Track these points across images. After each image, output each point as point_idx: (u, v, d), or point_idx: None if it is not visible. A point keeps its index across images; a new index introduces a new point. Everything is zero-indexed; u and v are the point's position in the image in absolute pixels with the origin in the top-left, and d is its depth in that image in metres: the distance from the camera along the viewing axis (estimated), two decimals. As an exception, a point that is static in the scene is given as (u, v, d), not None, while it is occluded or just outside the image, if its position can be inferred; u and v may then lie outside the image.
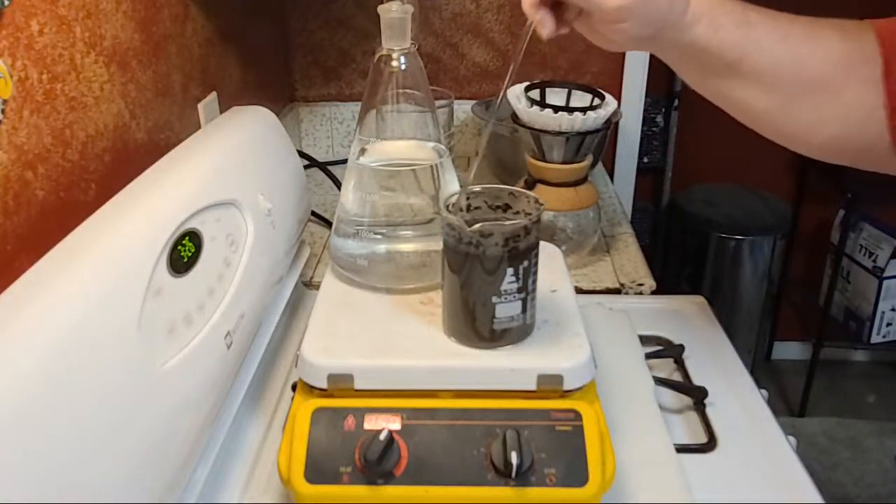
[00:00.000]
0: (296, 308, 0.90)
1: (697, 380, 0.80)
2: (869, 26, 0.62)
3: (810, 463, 0.69)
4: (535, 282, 0.60)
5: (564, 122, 0.94)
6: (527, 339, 0.61)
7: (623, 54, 1.47)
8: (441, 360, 0.59)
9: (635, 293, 1.01)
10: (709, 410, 0.75)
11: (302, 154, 1.23)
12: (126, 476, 0.50)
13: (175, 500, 0.58)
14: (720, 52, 0.60)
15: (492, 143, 1.34)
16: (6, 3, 0.56)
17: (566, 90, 1.00)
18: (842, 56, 0.61)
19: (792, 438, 0.73)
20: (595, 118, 0.95)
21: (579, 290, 0.92)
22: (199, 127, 0.93)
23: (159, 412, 0.54)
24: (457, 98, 1.30)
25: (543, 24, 0.59)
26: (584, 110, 0.94)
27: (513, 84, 0.60)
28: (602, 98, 0.98)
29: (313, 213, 1.16)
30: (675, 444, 0.68)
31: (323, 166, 1.32)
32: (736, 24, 0.60)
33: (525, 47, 0.61)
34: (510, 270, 0.57)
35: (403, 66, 0.67)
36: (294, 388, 0.73)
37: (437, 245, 0.62)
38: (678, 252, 1.99)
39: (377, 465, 0.54)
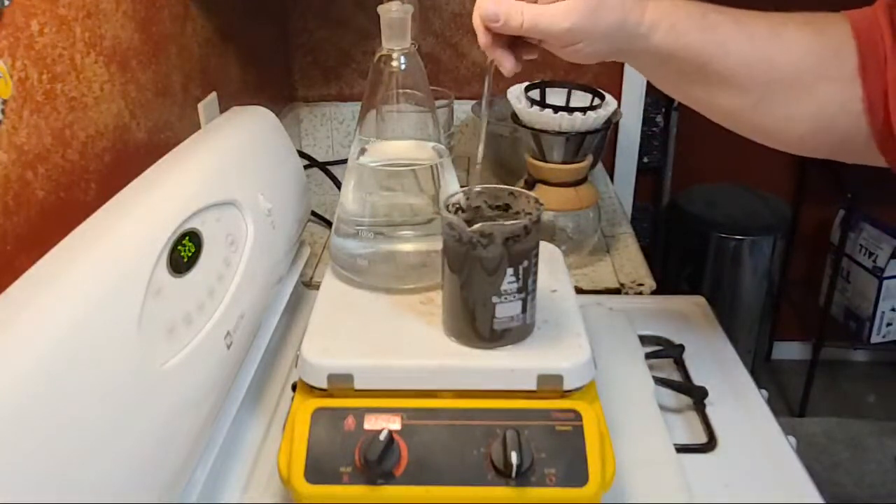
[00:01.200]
0: (296, 308, 0.90)
1: (697, 380, 0.80)
2: (843, 18, 0.61)
3: (810, 463, 0.69)
4: (535, 282, 0.60)
5: (564, 122, 0.94)
6: (527, 339, 0.61)
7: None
8: (441, 360, 0.59)
9: (635, 293, 1.01)
10: (709, 410, 0.75)
11: (302, 154, 1.23)
12: (126, 476, 0.50)
13: (175, 500, 0.58)
14: (685, 57, 0.59)
15: (490, 145, 1.34)
16: (6, 3, 0.56)
17: (566, 90, 1.00)
18: (811, 52, 0.60)
19: (792, 438, 0.73)
20: (595, 118, 0.95)
21: (579, 290, 0.92)
22: (199, 127, 0.93)
23: (159, 412, 0.54)
24: (457, 98, 1.30)
25: (502, 62, 0.59)
26: (584, 110, 0.94)
27: (488, 125, 0.60)
28: (602, 98, 0.98)
29: (313, 213, 1.16)
30: (675, 444, 0.68)
31: (323, 166, 1.32)
32: (697, 28, 0.59)
33: (490, 86, 0.61)
34: (510, 270, 0.57)
35: (403, 66, 0.67)
36: (294, 388, 0.72)
37: (437, 245, 0.62)
38: (678, 252, 1.99)
39: (377, 465, 0.54)
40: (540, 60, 0.63)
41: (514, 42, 0.60)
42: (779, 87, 0.61)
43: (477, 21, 0.58)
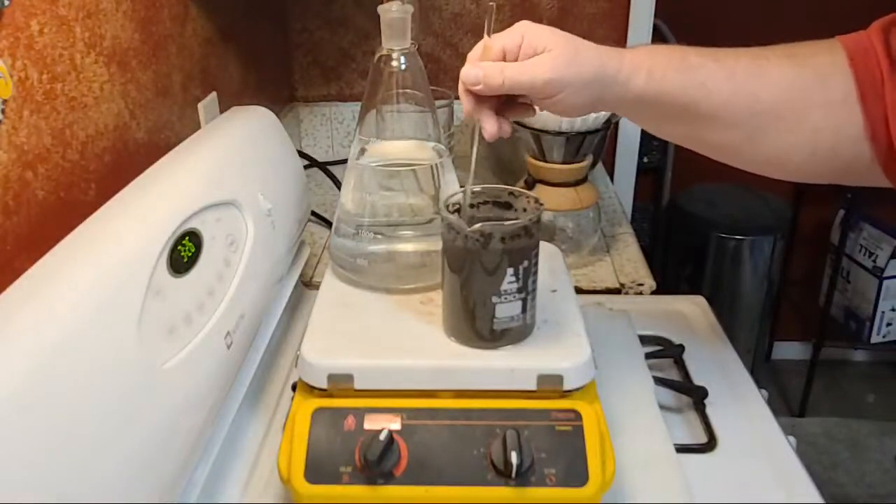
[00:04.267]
0: (296, 308, 0.90)
1: (697, 380, 0.80)
2: (834, 45, 0.61)
3: (810, 463, 0.69)
4: (535, 282, 0.60)
5: (564, 122, 0.94)
6: (527, 339, 0.61)
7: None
8: (441, 360, 0.59)
9: (635, 293, 1.01)
10: (709, 410, 0.75)
11: (302, 154, 1.23)
12: (126, 476, 0.50)
13: (175, 500, 0.58)
14: (670, 99, 0.60)
15: (490, 144, 1.34)
16: (6, 3, 0.56)
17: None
18: (795, 83, 0.60)
19: (792, 438, 0.73)
20: (595, 118, 0.95)
21: (579, 290, 0.92)
22: (199, 127, 0.93)
23: (159, 412, 0.54)
24: (457, 98, 1.30)
25: (485, 126, 0.60)
26: (584, 110, 0.94)
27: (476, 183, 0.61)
28: (602, 98, 0.98)
29: (313, 213, 1.16)
30: (675, 444, 0.68)
31: (323, 166, 1.32)
32: (677, 70, 0.59)
33: (478, 149, 0.61)
34: (510, 270, 0.57)
35: (403, 66, 0.67)
36: (294, 388, 0.72)
37: (437, 245, 0.62)
38: (678, 252, 1.99)
39: (377, 465, 0.54)
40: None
41: (504, 104, 0.61)
42: (767, 119, 0.61)
43: (461, 88, 0.59)
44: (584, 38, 0.59)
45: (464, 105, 0.60)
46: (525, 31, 0.58)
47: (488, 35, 0.59)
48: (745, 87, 0.60)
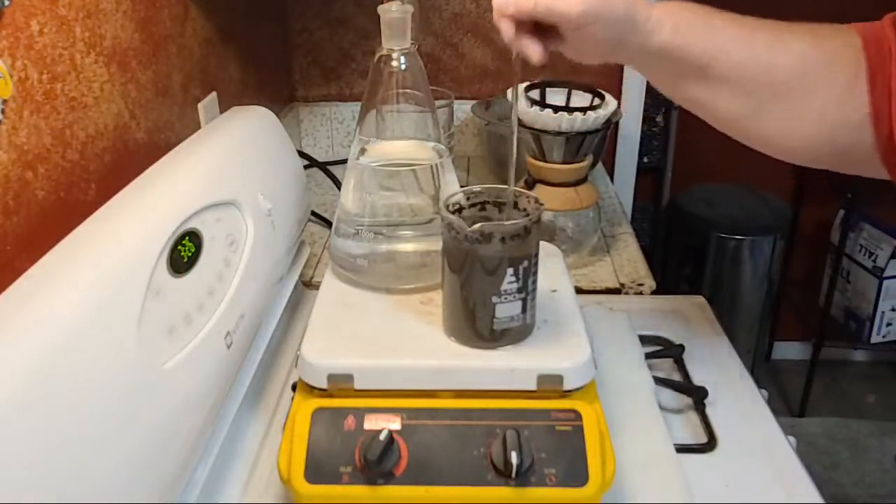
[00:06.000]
0: (296, 308, 0.90)
1: (697, 380, 0.80)
2: (850, 31, 0.62)
3: (810, 463, 0.69)
4: (535, 282, 0.60)
5: (564, 122, 0.94)
6: (527, 339, 0.61)
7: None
8: (441, 360, 0.59)
9: (635, 293, 1.01)
10: (709, 410, 0.75)
11: (302, 154, 1.23)
12: (126, 476, 0.50)
13: (175, 499, 0.58)
14: (687, 57, 0.60)
15: (490, 145, 1.34)
16: (6, 3, 0.56)
17: (566, 90, 1.00)
18: (810, 61, 0.61)
19: (792, 438, 0.73)
20: (595, 118, 0.95)
21: (579, 290, 0.92)
22: (199, 127, 0.93)
23: (159, 412, 0.54)
24: (457, 98, 1.30)
25: (529, 50, 0.59)
26: (584, 110, 0.94)
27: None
28: (602, 98, 0.98)
29: (313, 213, 1.16)
30: (675, 444, 0.68)
31: (323, 166, 1.32)
32: (700, 30, 0.60)
33: (519, 78, 0.60)
34: (510, 270, 0.57)
35: (403, 66, 0.67)
36: (294, 388, 0.72)
37: (437, 245, 0.62)
38: (678, 252, 1.99)
39: (377, 465, 0.54)
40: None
41: (538, 33, 0.60)
42: (778, 92, 0.62)
43: (496, 14, 0.59)
44: None
45: (503, 32, 0.59)
46: None
47: None
48: (762, 57, 0.61)
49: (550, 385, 0.58)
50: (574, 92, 0.99)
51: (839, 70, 0.61)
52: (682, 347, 0.84)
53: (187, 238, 0.61)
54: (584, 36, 0.59)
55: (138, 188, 0.64)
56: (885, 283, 2.02)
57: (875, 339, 2.11)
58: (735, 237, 1.87)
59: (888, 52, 0.59)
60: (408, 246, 0.70)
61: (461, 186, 0.67)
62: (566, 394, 0.59)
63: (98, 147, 0.69)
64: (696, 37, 0.60)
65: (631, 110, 1.53)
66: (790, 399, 2.20)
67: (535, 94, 0.98)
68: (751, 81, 0.61)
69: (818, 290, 2.19)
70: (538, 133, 0.96)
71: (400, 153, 0.70)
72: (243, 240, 0.71)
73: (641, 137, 1.59)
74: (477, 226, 0.56)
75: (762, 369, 2.26)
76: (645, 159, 1.77)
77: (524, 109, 0.96)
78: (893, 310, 2.07)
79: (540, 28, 0.59)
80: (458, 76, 1.49)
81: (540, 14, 0.57)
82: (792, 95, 0.61)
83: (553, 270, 0.70)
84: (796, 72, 0.61)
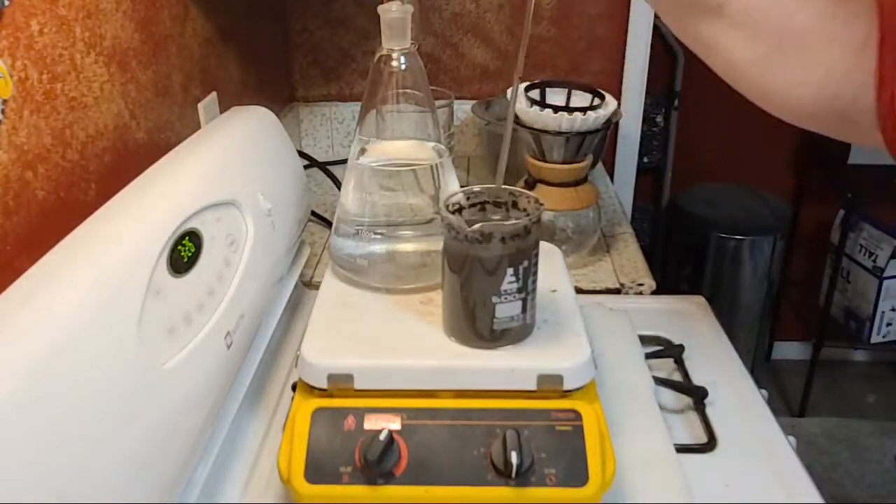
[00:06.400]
0: (296, 308, 0.90)
1: (697, 380, 0.80)
2: None
3: (810, 463, 0.69)
4: (535, 282, 0.60)
5: (564, 122, 0.94)
6: (527, 339, 0.61)
7: (623, 54, 1.47)
8: (441, 360, 0.59)
9: (635, 293, 1.01)
10: (709, 410, 0.75)
11: (302, 154, 1.23)
12: (126, 476, 0.50)
13: (175, 499, 0.58)
14: None
15: (490, 144, 1.34)
16: (6, 3, 0.56)
17: (566, 90, 1.00)
18: (828, 14, 0.60)
19: (792, 438, 0.73)
20: (595, 118, 0.95)
21: (579, 290, 0.92)
22: (199, 127, 0.93)
23: (159, 412, 0.54)
24: (457, 98, 1.30)
25: None
26: (584, 110, 0.94)
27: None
28: (602, 98, 0.98)
29: (313, 213, 1.16)
30: (675, 444, 0.68)
31: (323, 166, 1.32)
32: None
33: (531, 17, 0.59)
34: (510, 270, 0.57)
35: (403, 66, 0.67)
36: (294, 388, 0.72)
37: (437, 245, 0.62)
38: (678, 252, 1.99)
39: (377, 465, 0.54)
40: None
41: None
42: (792, 42, 0.61)
43: None
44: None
45: None
46: None
47: None
48: (783, 3, 0.60)
49: (550, 385, 0.58)
50: (574, 92, 0.99)
51: (855, 26, 0.60)
52: (682, 347, 0.84)
53: (187, 238, 0.61)
54: None
55: (138, 188, 0.64)
56: (885, 283, 2.02)
57: (875, 339, 2.11)
58: (735, 237, 1.86)
59: None
60: (408, 246, 0.70)
61: (461, 186, 0.67)
62: (566, 394, 0.59)
63: (98, 147, 0.69)
64: None
65: (631, 110, 1.53)
66: (790, 399, 2.20)
67: (535, 94, 0.98)
68: (767, 27, 0.60)
69: (818, 290, 2.19)
70: (538, 133, 0.96)
71: (400, 153, 0.70)
72: (243, 240, 0.71)
73: (641, 137, 1.59)
74: (477, 226, 0.56)
75: (762, 369, 2.26)
76: (645, 159, 1.78)
77: (524, 109, 0.96)
78: (893, 310, 2.07)
79: None
80: (458, 76, 1.49)
81: None
82: (805, 48, 0.60)
83: (553, 270, 0.70)
84: (814, 23, 0.60)
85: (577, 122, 0.94)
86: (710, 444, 0.71)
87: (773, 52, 0.62)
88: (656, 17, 1.44)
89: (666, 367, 0.83)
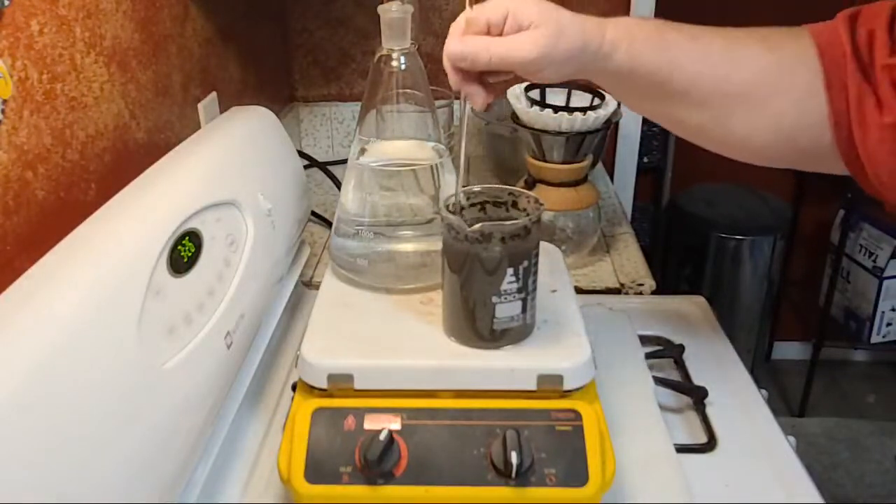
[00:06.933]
0: (296, 308, 0.90)
1: (697, 380, 0.80)
2: (803, 33, 0.63)
3: (810, 463, 0.69)
4: (535, 282, 0.60)
5: (564, 122, 0.94)
6: (527, 339, 0.61)
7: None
8: (441, 360, 0.59)
9: (635, 293, 1.01)
10: (709, 410, 0.75)
11: (302, 154, 1.23)
12: (126, 476, 0.50)
13: (175, 499, 0.58)
14: (644, 75, 0.61)
15: (490, 145, 1.34)
16: (6, 3, 0.56)
17: (566, 90, 1.00)
18: (764, 68, 0.62)
19: (792, 438, 0.73)
20: (595, 118, 0.95)
21: (579, 290, 0.92)
22: (199, 127, 0.93)
23: (159, 412, 0.54)
24: (457, 98, 1.30)
25: (474, 98, 0.61)
26: (584, 110, 0.94)
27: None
28: (602, 98, 0.98)
29: (313, 213, 1.16)
30: (675, 444, 0.68)
31: (323, 166, 1.32)
32: (654, 48, 0.61)
33: (466, 120, 0.62)
34: (510, 270, 0.57)
35: (403, 66, 0.67)
36: (294, 388, 0.72)
37: (437, 245, 0.62)
38: (678, 252, 1.99)
39: (377, 465, 0.54)
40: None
41: (486, 72, 0.61)
42: (735, 101, 0.63)
43: (446, 62, 0.60)
44: None
45: (450, 80, 0.60)
46: (509, 4, 0.58)
47: (471, 6, 0.59)
48: (717, 69, 0.62)
49: (550, 385, 0.58)
50: (574, 92, 0.99)
51: (796, 74, 0.62)
52: (682, 347, 0.84)
53: (187, 238, 0.61)
54: (540, 77, 0.60)
55: (138, 188, 0.64)
56: (885, 283, 2.02)
57: (875, 339, 2.11)
58: (735, 237, 1.87)
59: (842, 54, 0.60)
60: (408, 246, 0.70)
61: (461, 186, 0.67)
62: (566, 394, 0.59)
63: (98, 147, 0.69)
64: (651, 54, 0.61)
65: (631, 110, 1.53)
66: (790, 399, 2.20)
67: (535, 93, 0.98)
68: (708, 93, 0.62)
69: (818, 290, 2.19)
70: (538, 133, 0.96)
71: (400, 153, 0.70)
72: (243, 240, 0.71)
73: (641, 137, 1.58)
74: (477, 226, 0.56)
75: (762, 369, 2.26)
76: (645, 159, 1.77)
77: (524, 109, 0.96)
78: (893, 310, 2.07)
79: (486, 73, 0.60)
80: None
81: (494, 66, 0.58)
82: (750, 103, 0.63)
83: (553, 270, 0.70)
84: (753, 80, 0.62)
85: (577, 122, 0.94)
86: (710, 444, 0.71)
87: (722, 113, 0.64)
88: (656, 17, 1.44)
89: (666, 367, 0.83)
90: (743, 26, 0.63)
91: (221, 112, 0.94)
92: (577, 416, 0.58)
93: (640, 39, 0.60)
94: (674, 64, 0.61)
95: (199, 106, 0.95)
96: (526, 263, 0.58)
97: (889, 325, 2.09)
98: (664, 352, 0.84)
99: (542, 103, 0.96)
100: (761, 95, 0.62)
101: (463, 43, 0.58)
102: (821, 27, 0.62)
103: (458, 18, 0.60)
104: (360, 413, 0.58)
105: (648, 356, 0.81)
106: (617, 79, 0.62)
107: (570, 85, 1.00)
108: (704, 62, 0.61)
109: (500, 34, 0.58)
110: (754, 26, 0.63)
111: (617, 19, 0.61)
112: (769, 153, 0.65)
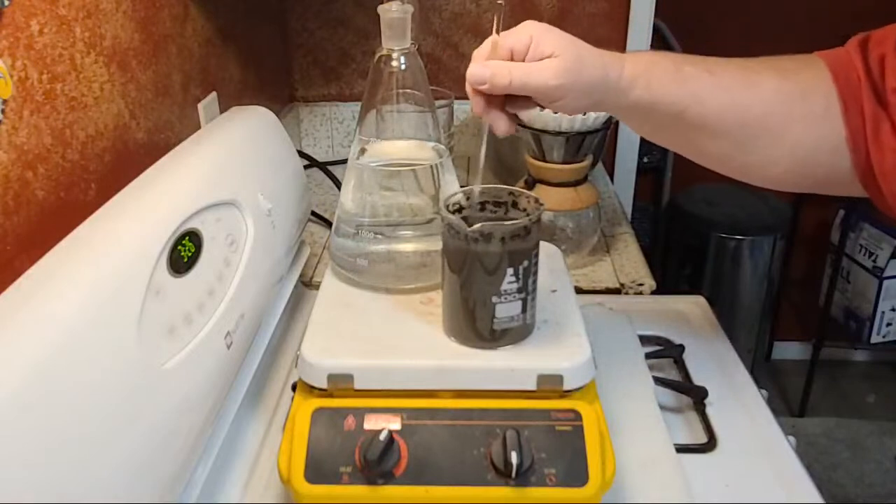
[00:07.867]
0: (296, 308, 0.90)
1: (697, 380, 0.80)
2: (817, 60, 0.64)
3: (810, 463, 0.69)
4: (535, 282, 0.60)
5: (564, 122, 0.94)
6: (527, 339, 0.61)
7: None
8: (441, 360, 0.59)
9: (635, 293, 1.01)
10: (709, 410, 0.75)
11: (302, 154, 1.23)
12: (126, 476, 0.50)
13: (175, 499, 0.58)
14: (662, 108, 0.62)
15: (490, 144, 1.34)
16: (6, 3, 0.56)
17: (566, 90, 0.99)
18: (779, 97, 0.63)
19: (792, 438, 0.73)
20: (595, 118, 0.95)
21: (579, 290, 0.92)
22: (199, 127, 0.93)
23: (159, 412, 0.54)
24: (457, 98, 1.30)
25: (497, 124, 0.61)
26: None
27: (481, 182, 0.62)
28: (602, 98, 0.98)
29: (313, 213, 1.16)
30: (675, 444, 0.68)
31: (323, 166, 1.32)
32: (672, 81, 0.62)
33: (488, 145, 0.62)
34: (510, 270, 0.57)
35: (403, 66, 0.67)
36: (294, 388, 0.73)
37: (437, 245, 0.62)
38: (678, 252, 1.99)
39: (377, 465, 0.54)
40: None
41: (508, 101, 0.61)
42: (754, 130, 0.64)
43: (468, 86, 0.60)
44: (583, 38, 0.60)
45: (473, 105, 0.60)
46: (533, 33, 0.59)
47: (497, 33, 0.60)
48: (736, 100, 0.63)
49: (550, 385, 0.58)
50: (574, 92, 0.99)
51: (811, 101, 0.63)
52: (682, 347, 0.84)
53: (187, 238, 0.61)
54: (559, 106, 0.61)
55: (138, 188, 0.64)
56: (885, 283, 2.02)
57: (875, 339, 2.11)
58: (735, 237, 1.87)
59: (857, 79, 0.61)
60: (408, 246, 0.70)
61: (461, 186, 0.67)
62: (566, 394, 0.59)
63: (98, 147, 0.69)
64: (669, 88, 0.61)
65: (631, 110, 1.53)
66: (790, 399, 2.20)
67: (535, 94, 0.98)
68: (727, 124, 0.63)
69: (818, 290, 2.19)
70: (538, 133, 0.96)
71: (400, 153, 0.70)
72: (243, 240, 0.71)
73: (641, 137, 1.58)
74: (477, 226, 0.56)
75: (762, 369, 2.26)
76: (645, 159, 1.77)
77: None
78: (893, 310, 2.07)
79: (512, 96, 0.60)
80: (458, 76, 1.48)
81: (515, 90, 0.59)
82: (768, 131, 0.64)
83: (553, 270, 0.70)
84: (770, 109, 0.63)
85: (577, 122, 0.94)
86: (710, 444, 0.71)
87: (741, 143, 0.65)
88: (656, 17, 1.44)
89: (666, 367, 0.83)
90: (744, 38, 0.64)
91: (221, 112, 0.94)
92: (577, 416, 0.58)
93: (658, 74, 0.61)
94: (691, 97, 0.62)
95: (199, 106, 0.95)
96: (526, 263, 0.58)
97: (889, 325, 2.09)
98: (664, 352, 0.84)
99: (542, 103, 0.96)
100: (779, 123, 0.63)
101: (483, 66, 0.59)
102: (833, 53, 0.64)
103: (483, 44, 0.60)
104: (360, 413, 0.58)
105: (648, 356, 0.81)
106: (636, 112, 0.63)
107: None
108: (722, 94, 0.62)
109: (523, 60, 0.59)
110: (754, 38, 0.64)
111: (635, 54, 0.63)
112: (789, 178, 0.66)
